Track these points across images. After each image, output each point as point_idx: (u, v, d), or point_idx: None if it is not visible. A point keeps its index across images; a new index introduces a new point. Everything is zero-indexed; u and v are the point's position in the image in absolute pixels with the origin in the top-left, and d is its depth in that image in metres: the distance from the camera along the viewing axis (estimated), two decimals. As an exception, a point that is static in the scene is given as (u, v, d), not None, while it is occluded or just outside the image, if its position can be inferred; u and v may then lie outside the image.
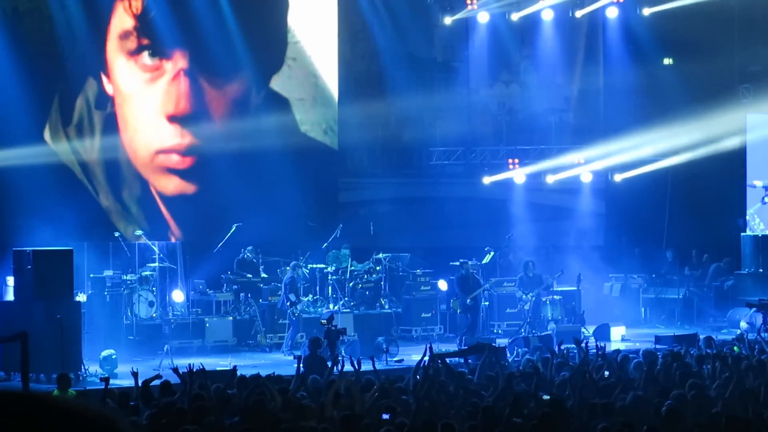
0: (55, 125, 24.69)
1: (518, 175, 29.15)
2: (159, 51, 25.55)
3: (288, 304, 22.96)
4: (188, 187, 26.06)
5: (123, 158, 25.42)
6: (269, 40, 27.07)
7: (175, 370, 13.60)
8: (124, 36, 25.38)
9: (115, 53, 25.32)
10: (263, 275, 24.58)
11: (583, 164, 29.19)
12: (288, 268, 23.78)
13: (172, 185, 25.97)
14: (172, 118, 25.83)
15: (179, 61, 25.76)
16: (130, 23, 25.42)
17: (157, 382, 13.73)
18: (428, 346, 16.06)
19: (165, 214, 25.60)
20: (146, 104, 25.68)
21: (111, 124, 25.18)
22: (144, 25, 25.36)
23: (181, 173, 26.00)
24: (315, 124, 27.52)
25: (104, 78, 25.21)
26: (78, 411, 1.98)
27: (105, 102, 25.12)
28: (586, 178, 29.37)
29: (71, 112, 24.88)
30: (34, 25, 24.35)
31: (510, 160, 29.33)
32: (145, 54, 25.51)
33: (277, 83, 27.28)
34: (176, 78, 25.80)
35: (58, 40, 24.36)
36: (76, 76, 24.85)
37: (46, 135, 24.53)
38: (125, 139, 25.47)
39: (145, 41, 25.45)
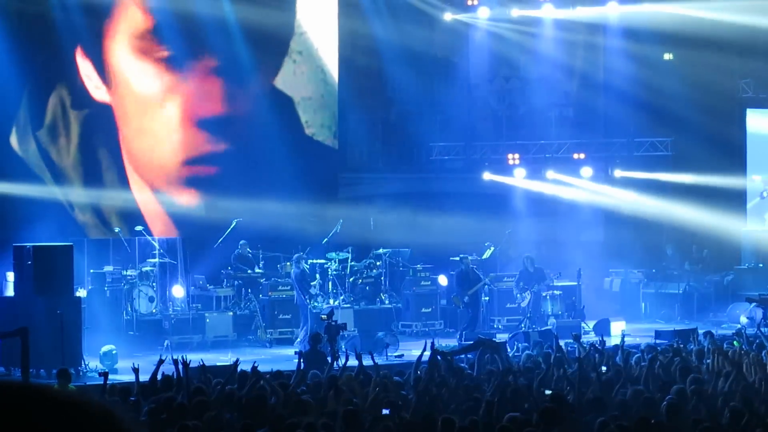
0: (23, 129, 23.52)
1: (519, 175, 29.12)
2: (177, 50, 24.79)
3: (307, 298, 22.85)
4: (194, 200, 25.62)
5: (107, 165, 24.56)
6: (271, 32, 26.46)
7: (176, 362, 13.56)
8: (136, 35, 24.46)
9: (123, 54, 24.37)
10: (258, 270, 24.53)
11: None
12: (289, 264, 23.76)
13: (187, 197, 25.45)
14: (202, 122, 25.21)
15: (200, 62, 25.13)
16: (143, 21, 24.57)
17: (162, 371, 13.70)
18: (431, 342, 16.03)
19: (150, 227, 24.93)
20: (165, 110, 24.91)
21: (90, 127, 24.12)
22: (158, 22, 24.57)
23: (203, 183, 25.50)
24: (323, 126, 27.16)
25: (92, 78, 24.14)
26: (78, 403, 1.98)
27: (82, 102, 24.01)
28: (586, 172, 29.35)
29: (42, 114, 23.67)
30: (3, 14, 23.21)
31: (510, 155, 29.31)
32: (161, 54, 24.70)
33: (280, 80, 26.86)
34: (196, 79, 25.17)
35: (31, 30, 23.22)
36: (48, 74, 23.74)
37: (13, 140, 23.53)
38: (132, 148, 24.81)
39: (160, 40, 24.62)
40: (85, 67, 24.26)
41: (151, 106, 25.06)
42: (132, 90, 24.79)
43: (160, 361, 13.65)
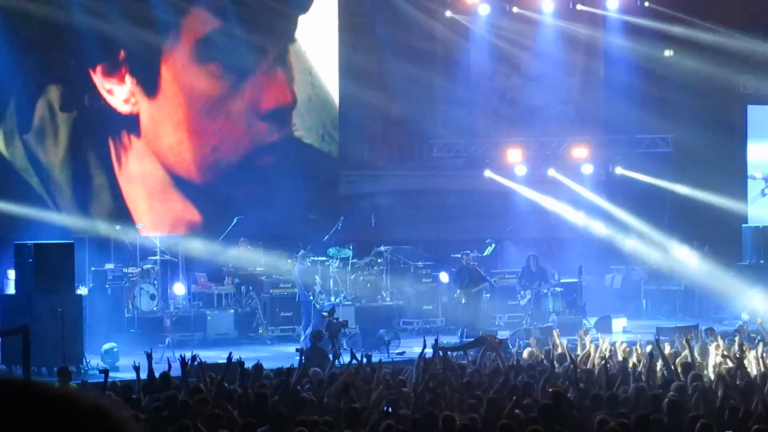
0: (10, 132, 23.48)
1: (520, 172, 29.08)
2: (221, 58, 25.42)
3: (310, 295, 22.80)
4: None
5: (95, 167, 24.49)
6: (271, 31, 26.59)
7: (183, 359, 13.58)
8: (197, 44, 25.08)
9: (183, 61, 24.96)
10: (259, 268, 24.50)
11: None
12: (290, 261, 23.74)
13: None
14: (265, 114, 25.86)
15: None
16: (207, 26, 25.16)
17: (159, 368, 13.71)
18: (435, 339, 16.02)
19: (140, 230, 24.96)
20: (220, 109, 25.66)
21: (80, 129, 24.10)
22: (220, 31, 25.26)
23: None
24: (311, 129, 27.08)
25: (117, 93, 24.38)
26: (68, 397, 1.97)
27: (71, 104, 24.02)
28: (587, 170, 29.36)
29: (30, 117, 23.64)
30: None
31: (511, 152, 29.29)
32: (211, 59, 25.28)
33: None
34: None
35: (25, 31, 23.20)
36: (38, 77, 23.73)
37: None
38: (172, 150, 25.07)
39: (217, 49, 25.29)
40: (106, 83, 24.46)
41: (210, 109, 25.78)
42: (189, 94, 25.29)
43: (149, 356, 13.66)
